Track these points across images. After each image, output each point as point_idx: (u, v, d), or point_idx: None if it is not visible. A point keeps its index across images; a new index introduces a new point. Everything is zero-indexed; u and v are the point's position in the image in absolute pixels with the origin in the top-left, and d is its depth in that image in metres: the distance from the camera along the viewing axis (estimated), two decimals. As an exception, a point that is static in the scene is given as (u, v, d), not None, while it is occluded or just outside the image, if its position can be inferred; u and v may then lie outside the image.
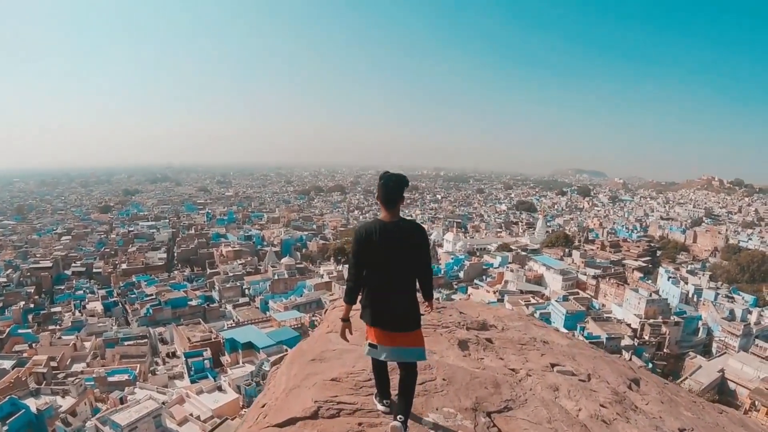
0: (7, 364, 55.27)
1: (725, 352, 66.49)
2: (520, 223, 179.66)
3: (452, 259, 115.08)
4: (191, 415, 41.28)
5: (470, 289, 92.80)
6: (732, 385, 56.92)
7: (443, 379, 6.56)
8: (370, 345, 5.57)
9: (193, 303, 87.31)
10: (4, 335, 66.83)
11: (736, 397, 55.24)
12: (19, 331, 70.74)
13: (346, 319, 5.77)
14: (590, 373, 7.66)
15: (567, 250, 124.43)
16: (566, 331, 63.76)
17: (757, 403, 51.16)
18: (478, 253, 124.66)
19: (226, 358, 62.38)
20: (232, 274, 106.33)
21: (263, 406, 6.81)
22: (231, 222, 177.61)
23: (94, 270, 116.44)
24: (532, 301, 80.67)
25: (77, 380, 48.60)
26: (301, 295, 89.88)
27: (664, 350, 67.33)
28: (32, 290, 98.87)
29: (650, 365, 59.91)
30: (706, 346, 73.33)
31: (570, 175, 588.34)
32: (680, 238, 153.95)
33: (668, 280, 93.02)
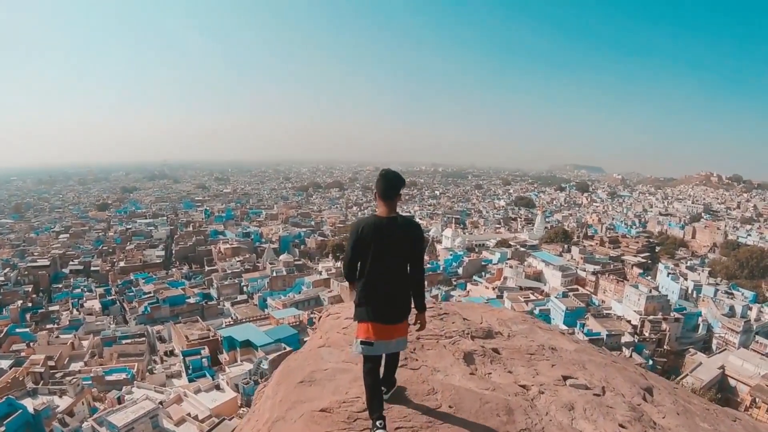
0: (5, 363, 54.88)
1: (725, 349, 66.22)
2: (518, 219, 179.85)
3: (451, 255, 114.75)
4: (189, 414, 40.96)
5: (469, 286, 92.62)
6: (732, 382, 56.68)
7: (450, 407, 5.89)
8: (364, 343, 5.51)
9: (191, 301, 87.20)
10: (2, 334, 66.29)
11: (737, 394, 55.04)
12: (17, 330, 70.18)
13: (352, 290, 5.81)
14: (604, 385, 7.26)
15: (566, 246, 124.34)
16: (566, 327, 64.00)
17: (757, 399, 51.04)
18: (476, 249, 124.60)
19: (224, 357, 62.06)
20: (230, 272, 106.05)
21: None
22: (229, 219, 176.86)
23: (92, 268, 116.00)
24: (532, 297, 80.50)
25: (74, 380, 48.29)
26: (300, 292, 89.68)
27: (664, 347, 67.12)
28: (30, 289, 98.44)
29: (650, 362, 59.75)
30: (706, 342, 73.08)
31: (568, 170, 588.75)
32: (679, 233, 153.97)
33: (668, 276, 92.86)
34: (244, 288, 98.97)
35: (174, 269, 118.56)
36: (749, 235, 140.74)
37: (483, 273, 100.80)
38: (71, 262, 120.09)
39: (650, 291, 78.90)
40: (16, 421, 39.93)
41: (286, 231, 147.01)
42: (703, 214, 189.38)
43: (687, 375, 55.10)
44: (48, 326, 76.10)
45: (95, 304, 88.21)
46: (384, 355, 5.83)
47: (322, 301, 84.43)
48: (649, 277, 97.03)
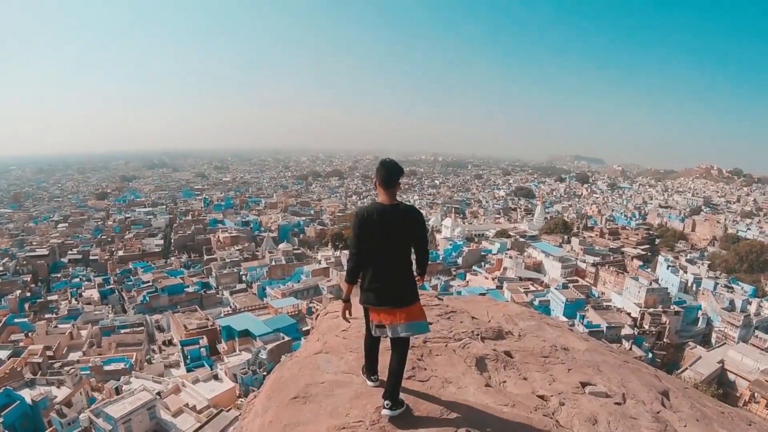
0: (3, 354, 54.81)
1: (725, 343, 66.08)
2: (518, 210, 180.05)
3: (450, 245, 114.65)
4: (187, 405, 40.79)
5: (469, 276, 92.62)
6: (731, 377, 56.56)
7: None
8: (378, 327, 5.76)
9: (190, 290, 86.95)
10: (0, 324, 66.18)
11: (736, 389, 54.93)
12: (16, 320, 70.16)
13: (347, 300, 5.99)
14: (624, 391, 6.93)
15: (566, 237, 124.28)
16: (565, 319, 63.86)
17: (756, 394, 50.92)
18: (476, 239, 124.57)
19: (222, 346, 61.90)
20: (229, 260, 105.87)
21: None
22: (228, 208, 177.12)
23: (91, 257, 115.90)
24: (531, 288, 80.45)
25: (72, 370, 48.13)
26: (299, 281, 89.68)
27: (664, 340, 66.97)
28: (29, 279, 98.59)
29: (650, 355, 59.70)
30: (705, 336, 72.94)
31: (568, 161, 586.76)
32: (679, 226, 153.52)
33: (667, 268, 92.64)
34: (243, 277, 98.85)
35: (173, 258, 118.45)
36: (749, 229, 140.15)
37: (482, 263, 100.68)
38: (70, 252, 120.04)
39: (650, 283, 78.61)
40: (14, 412, 39.80)
41: (285, 220, 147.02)
42: (703, 207, 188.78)
43: (686, 369, 54.95)
44: (47, 316, 76.23)
45: (94, 294, 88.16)
46: (391, 346, 5.85)
47: (321, 290, 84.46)
48: (649, 270, 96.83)
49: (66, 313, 76.39)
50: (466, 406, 5.90)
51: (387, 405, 5.51)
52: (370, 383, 6.23)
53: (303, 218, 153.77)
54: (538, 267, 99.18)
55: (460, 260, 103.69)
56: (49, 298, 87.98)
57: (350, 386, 6.15)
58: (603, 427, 6.04)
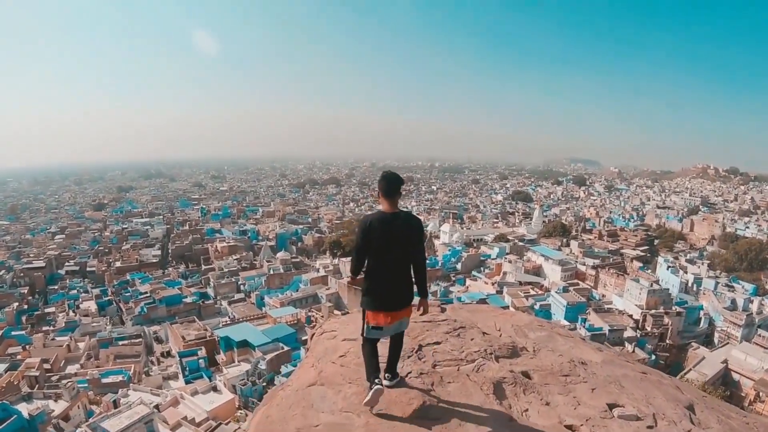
0: (0, 367, 54.20)
1: (728, 343, 65.81)
2: (516, 213, 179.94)
3: (449, 250, 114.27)
4: (185, 418, 40.19)
5: (468, 281, 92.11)
6: (736, 376, 56.18)
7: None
8: (375, 328, 6.13)
9: (188, 300, 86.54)
10: (-3, 337, 65.77)
11: (740, 389, 54.63)
12: (13, 332, 69.76)
13: (352, 282, 6.48)
14: (653, 411, 6.34)
15: (565, 239, 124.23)
16: (567, 322, 63.51)
17: (761, 394, 50.55)
18: (475, 244, 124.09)
19: (221, 357, 61.56)
20: (227, 270, 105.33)
21: None
22: (226, 217, 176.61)
23: (88, 269, 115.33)
24: (532, 292, 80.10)
25: (70, 383, 47.68)
26: (297, 290, 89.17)
27: (667, 341, 66.58)
28: (26, 291, 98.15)
29: (653, 357, 59.31)
30: (707, 336, 72.74)
31: (564, 164, 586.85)
32: (677, 226, 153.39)
33: (667, 269, 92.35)
34: (241, 286, 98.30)
35: (170, 268, 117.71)
36: (747, 227, 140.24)
37: (482, 268, 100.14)
38: (67, 263, 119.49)
39: (651, 285, 78.32)
40: (11, 427, 39.16)
41: (283, 228, 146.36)
42: (700, 206, 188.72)
43: (690, 370, 54.57)
44: (44, 328, 75.62)
45: (91, 305, 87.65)
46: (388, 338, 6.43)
47: (320, 299, 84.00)
48: (649, 271, 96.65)
49: (63, 325, 75.96)
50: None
51: (387, 377, 6.28)
52: (375, 387, 6.02)
53: (301, 226, 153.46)
54: (537, 271, 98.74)
55: (459, 266, 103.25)
56: (46, 310, 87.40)
57: (348, 429, 5.46)
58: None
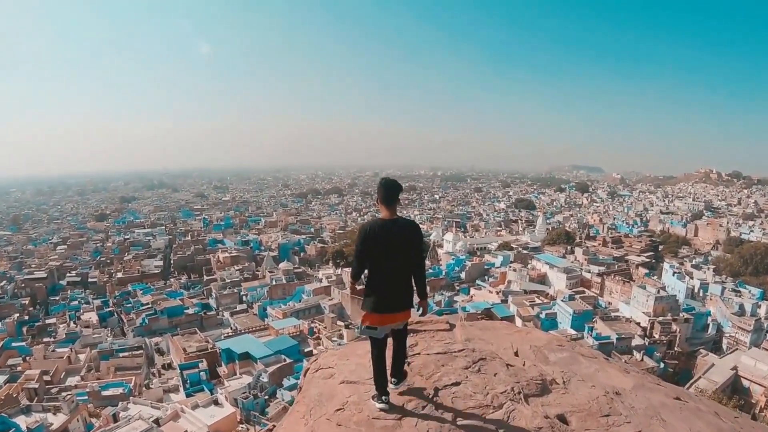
0: (0, 379, 53.59)
1: (737, 349, 64.82)
2: (519, 221, 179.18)
3: (453, 259, 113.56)
4: (185, 432, 39.50)
5: (473, 290, 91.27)
6: (745, 383, 55.27)
7: None
8: (369, 328, 6.28)
9: (190, 311, 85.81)
10: (-2, 348, 65.21)
11: (751, 395, 53.70)
12: (13, 344, 69.28)
13: (354, 290, 6.56)
14: None
15: (569, 247, 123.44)
16: (574, 331, 62.73)
17: (773, 401, 49.75)
18: (478, 253, 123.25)
19: (222, 369, 60.78)
20: (229, 281, 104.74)
21: None
22: (228, 227, 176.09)
23: (90, 279, 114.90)
24: (537, 301, 79.33)
25: (69, 396, 47.10)
26: (300, 301, 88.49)
27: (675, 348, 65.70)
28: (27, 302, 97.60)
29: (662, 365, 58.54)
30: (716, 342, 71.86)
31: (567, 171, 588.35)
32: (681, 231, 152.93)
33: (673, 275, 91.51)
34: (244, 297, 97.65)
35: (172, 279, 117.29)
36: (752, 231, 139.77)
37: (486, 277, 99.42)
38: (68, 274, 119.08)
39: (658, 291, 77.51)
40: (9, 440, 38.68)
41: (285, 238, 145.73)
42: (704, 211, 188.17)
43: (700, 377, 53.73)
44: (45, 339, 75.11)
45: (92, 317, 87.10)
46: (390, 342, 6.54)
47: (323, 309, 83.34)
48: (655, 277, 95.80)
49: (64, 336, 75.50)
50: None
51: (394, 381, 6.44)
52: (379, 405, 6.23)
53: (303, 236, 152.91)
54: (542, 279, 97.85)
55: (463, 275, 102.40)
56: (47, 321, 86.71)
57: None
58: None
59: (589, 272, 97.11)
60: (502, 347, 8.31)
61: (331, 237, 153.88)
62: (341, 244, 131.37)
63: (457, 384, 6.82)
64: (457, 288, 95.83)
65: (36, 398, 50.39)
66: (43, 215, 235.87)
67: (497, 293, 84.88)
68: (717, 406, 7.86)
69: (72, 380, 58.68)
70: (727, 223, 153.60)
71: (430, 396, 6.52)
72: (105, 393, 52.43)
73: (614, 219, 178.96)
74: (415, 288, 6.45)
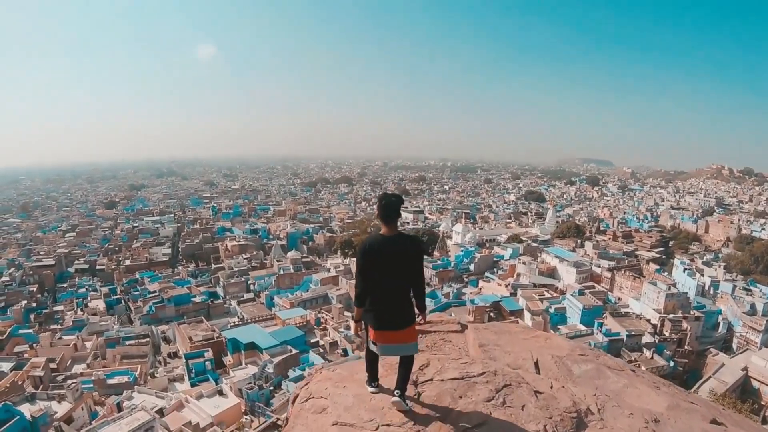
0: (6, 366, 53.45)
1: (747, 349, 64.00)
2: (529, 214, 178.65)
3: (462, 251, 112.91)
4: (189, 423, 39.03)
5: (481, 283, 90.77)
6: (755, 383, 54.53)
7: None
8: (372, 343, 6.22)
9: (197, 300, 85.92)
10: (5, 336, 65.13)
11: (760, 396, 52.99)
12: (21, 331, 69.11)
13: (358, 320, 6.47)
14: None
15: (579, 240, 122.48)
16: (584, 327, 61.98)
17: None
18: (488, 245, 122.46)
19: (228, 359, 60.47)
20: (237, 269, 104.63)
21: None
22: (237, 216, 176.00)
23: (98, 267, 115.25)
24: (547, 295, 78.72)
25: (74, 384, 46.78)
26: (307, 291, 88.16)
27: (685, 347, 64.85)
28: (35, 289, 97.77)
29: (672, 363, 57.87)
30: (726, 341, 70.93)
31: (577, 164, 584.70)
32: (692, 228, 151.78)
33: (684, 271, 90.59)
34: (251, 286, 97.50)
35: (180, 267, 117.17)
36: (763, 229, 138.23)
37: (495, 269, 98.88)
38: (77, 261, 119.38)
39: (669, 288, 76.61)
40: (13, 429, 38.41)
41: (294, 227, 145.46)
42: (715, 207, 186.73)
43: (710, 377, 53.01)
44: (52, 327, 75.22)
45: (99, 304, 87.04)
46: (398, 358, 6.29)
47: (330, 299, 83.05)
48: (665, 273, 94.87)
49: (71, 324, 75.36)
50: None
51: (397, 393, 6.00)
52: (371, 389, 6.50)
53: (312, 225, 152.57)
54: (552, 272, 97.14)
55: (472, 267, 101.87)
56: (54, 308, 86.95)
57: None
58: None
59: (599, 267, 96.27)
60: (521, 357, 7.67)
61: (340, 226, 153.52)
62: (350, 234, 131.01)
63: (481, 425, 5.61)
64: (466, 280, 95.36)
65: (41, 386, 50.20)
66: (52, 203, 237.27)
67: (506, 286, 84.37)
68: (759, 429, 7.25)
69: (78, 368, 58.51)
70: (738, 220, 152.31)
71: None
72: (110, 381, 52.09)
73: (624, 213, 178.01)
74: (414, 302, 6.27)
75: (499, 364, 7.23)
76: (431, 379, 6.67)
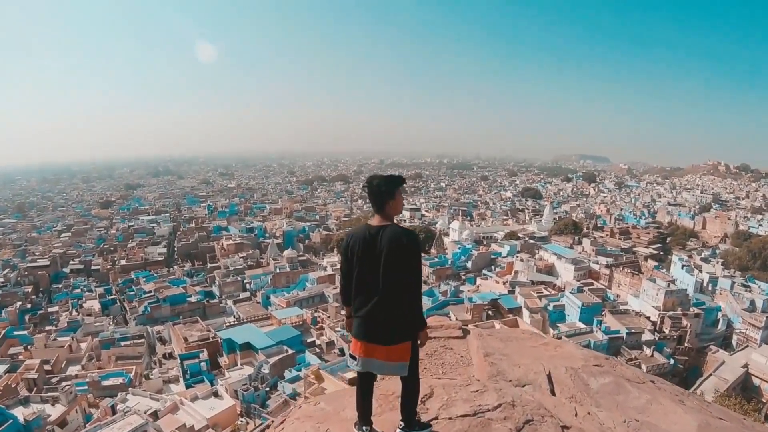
0: (0, 368, 52.89)
1: (747, 346, 63.65)
2: (526, 211, 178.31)
3: (459, 248, 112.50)
4: (184, 425, 38.46)
5: (479, 280, 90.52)
6: (756, 381, 54.15)
7: None
8: (350, 356, 5.20)
9: (193, 299, 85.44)
10: (0, 337, 64.49)
11: (761, 394, 52.60)
12: (15, 332, 68.64)
13: (349, 316, 5.44)
14: None
15: (576, 237, 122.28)
16: (583, 324, 61.64)
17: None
18: (485, 242, 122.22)
19: (224, 359, 60.20)
20: (233, 268, 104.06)
21: None
22: (233, 214, 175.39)
23: (93, 267, 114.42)
24: (545, 292, 78.25)
25: (68, 387, 46.22)
26: (304, 289, 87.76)
27: (685, 344, 64.49)
28: (30, 290, 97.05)
29: (672, 361, 57.52)
30: (725, 339, 70.54)
31: (574, 161, 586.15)
32: (689, 224, 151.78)
33: (682, 268, 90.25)
34: (247, 285, 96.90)
35: (176, 267, 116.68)
36: (760, 225, 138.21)
37: (492, 266, 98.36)
38: (72, 262, 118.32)
39: (668, 285, 76.02)
40: (6, 432, 37.91)
41: (290, 225, 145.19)
42: (712, 203, 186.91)
43: (711, 375, 52.64)
44: (47, 328, 74.73)
45: (95, 305, 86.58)
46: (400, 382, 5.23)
47: (327, 298, 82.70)
48: (664, 270, 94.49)
49: (66, 325, 74.70)
50: None
51: (400, 426, 5.14)
52: None
53: (308, 224, 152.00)
54: (550, 270, 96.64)
55: (469, 264, 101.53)
56: (49, 309, 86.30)
57: None
58: None
59: (597, 264, 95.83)
60: (532, 371, 6.87)
61: (337, 224, 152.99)
62: (346, 232, 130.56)
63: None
64: (463, 277, 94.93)
65: (35, 388, 49.70)
66: (47, 203, 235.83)
67: (504, 283, 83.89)
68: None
69: (73, 369, 58.15)
70: (735, 216, 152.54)
71: None
72: (105, 383, 51.72)
73: (621, 210, 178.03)
74: (409, 313, 5.01)
75: (513, 390, 6.21)
76: (436, 418, 5.38)
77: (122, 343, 65.59)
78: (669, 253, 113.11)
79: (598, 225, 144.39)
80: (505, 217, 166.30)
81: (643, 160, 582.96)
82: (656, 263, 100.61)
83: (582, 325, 64.05)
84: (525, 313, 69.98)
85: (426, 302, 65.85)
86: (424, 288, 68.87)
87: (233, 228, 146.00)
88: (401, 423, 5.14)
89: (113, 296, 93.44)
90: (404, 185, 5.32)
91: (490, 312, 70.51)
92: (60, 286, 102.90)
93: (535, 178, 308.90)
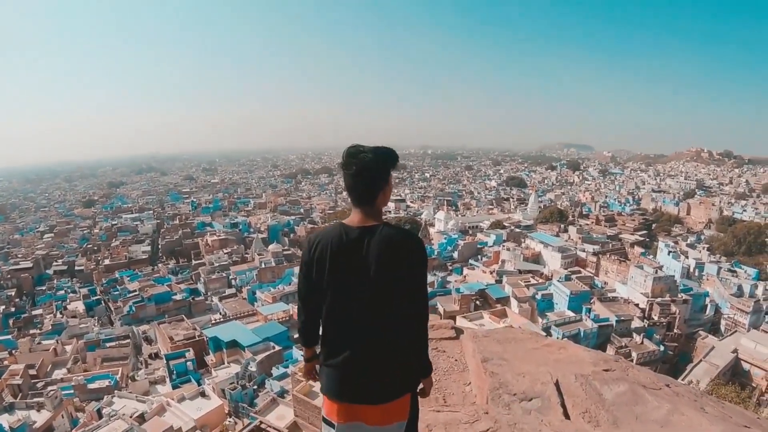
0: (-16, 375, 52.09)
1: (736, 331, 63.90)
2: (511, 199, 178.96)
3: (445, 238, 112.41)
4: (171, 427, 37.77)
5: (466, 270, 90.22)
6: (746, 366, 54.20)
7: None
8: (325, 422, 3.54)
9: (178, 297, 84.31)
10: (-17, 343, 63.72)
11: (751, 379, 52.67)
12: (-1, 338, 67.42)
13: (309, 359, 3.99)
14: None
15: (562, 225, 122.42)
16: (572, 313, 61.47)
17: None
18: (470, 232, 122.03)
19: (210, 358, 59.36)
20: (217, 265, 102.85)
21: None
22: (217, 210, 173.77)
23: (76, 268, 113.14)
24: (533, 281, 78.06)
25: (53, 392, 45.42)
26: (290, 284, 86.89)
27: (675, 330, 64.52)
28: (13, 293, 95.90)
29: (662, 348, 57.50)
30: (714, 324, 70.94)
31: (558, 149, 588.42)
32: (674, 210, 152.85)
33: (668, 254, 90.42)
34: (233, 281, 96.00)
35: (160, 265, 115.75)
36: (744, 210, 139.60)
37: (479, 256, 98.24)
38: (55, 263, 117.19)
39: (656, 271, 76.16)
40: (-9, 441, 37.29)
41: (275, 219, 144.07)
42: (696, 190, 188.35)
43: (701, 361, 52.60)
44: (31, 331, 73.79)
45: (79, 306, 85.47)
46: None
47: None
48: (650, 256, 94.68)
49: (50, 327, 74.19)
50: None
51: None
52: None
53: (293, 217, 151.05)
54: (536, 258, 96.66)
55: (455, 254, 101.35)
56: (33, 312, 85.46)
57: None
58: None
59: (584, 251, 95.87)
60: (539, 381, 6.06)
61: (321, 217, 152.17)
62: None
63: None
64: (450, 268, 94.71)
65: (20, 394, 48.90)
66: (30, 204, 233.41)
67: (491, 273, 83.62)
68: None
69: (58, 373, 57.56)
70: (720, 202, 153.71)
71: None
72: (91, 386, 51.13)
73: (606, 197, 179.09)
74: (414, 358, 3.61)
75: (518, 413, 5.48)
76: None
77: (108, 345, 64.99)
78: (654, 240, 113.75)
79: (584, 213, 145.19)
80: (490, 207, 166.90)
81: (627, 147, 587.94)
82: (643, 250, 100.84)
83: (571, 314, 63.82)
84: (513, 302, 69.76)
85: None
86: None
87: (217, 224, 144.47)
88: None
89: (98, 297, 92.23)
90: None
91: (478, 302, 70.21)
92: (44, 288, 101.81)
93: (519, 167, 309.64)
